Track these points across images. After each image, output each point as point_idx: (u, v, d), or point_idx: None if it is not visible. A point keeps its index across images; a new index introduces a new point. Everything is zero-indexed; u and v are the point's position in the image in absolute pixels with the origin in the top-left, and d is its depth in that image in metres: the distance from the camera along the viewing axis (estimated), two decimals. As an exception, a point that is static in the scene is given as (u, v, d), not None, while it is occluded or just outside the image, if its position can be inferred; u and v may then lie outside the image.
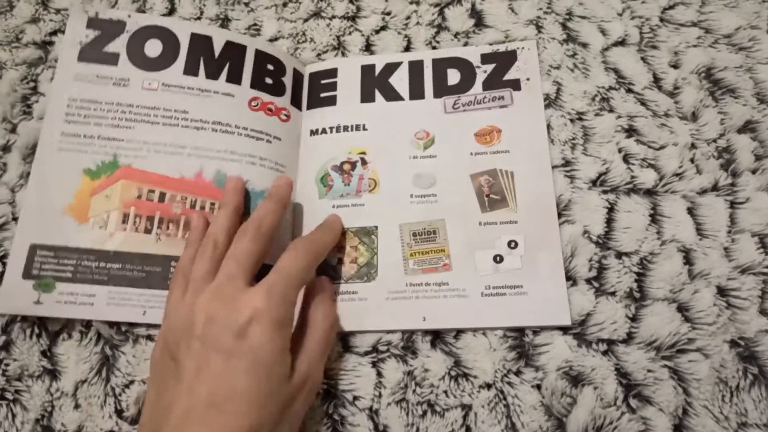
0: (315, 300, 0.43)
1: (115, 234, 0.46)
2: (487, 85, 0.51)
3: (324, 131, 0.52)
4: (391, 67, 0.53)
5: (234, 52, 0.52)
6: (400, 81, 0.52)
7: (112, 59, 0.50)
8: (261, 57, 0.52)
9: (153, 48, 0.51)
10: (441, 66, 0.53)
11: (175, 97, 0.49)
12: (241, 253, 0.40)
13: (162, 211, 0.47)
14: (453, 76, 0.52)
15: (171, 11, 0.57)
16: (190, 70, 0.51)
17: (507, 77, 0.52)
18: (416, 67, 0.53)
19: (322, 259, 0.44)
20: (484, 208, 0.47)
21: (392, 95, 0.52)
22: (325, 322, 0.42)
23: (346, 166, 0.50)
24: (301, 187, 0.50)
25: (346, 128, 0.51)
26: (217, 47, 0.52)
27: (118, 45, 0.51)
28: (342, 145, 0.51)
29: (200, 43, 0.51)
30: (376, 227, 0.47)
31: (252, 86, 0.51)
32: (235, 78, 0.51)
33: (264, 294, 0.37)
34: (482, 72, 0.52)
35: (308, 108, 0.53)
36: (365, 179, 0.49)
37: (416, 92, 0.52)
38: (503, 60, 0.52)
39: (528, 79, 0.51)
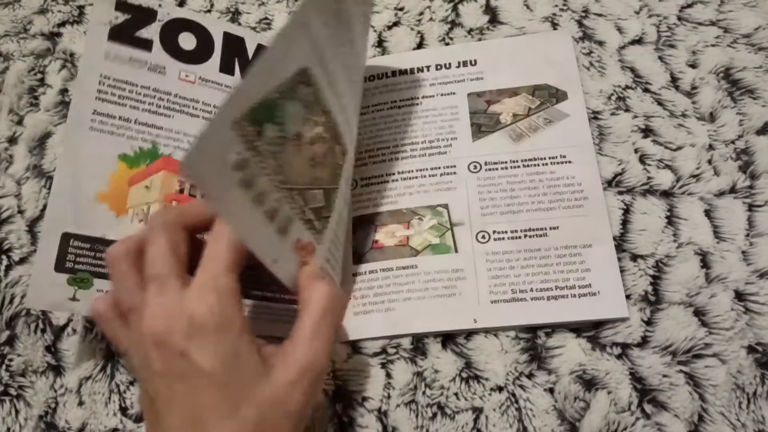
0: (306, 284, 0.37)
1: None
2: None
3: None
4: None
5: None
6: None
7: (145, 45, 0.48)
8: None
9: (187, 41, 0.49)
10: None
11: (213, 93, 0.49)
12: (156, 259, 0.35)
13: None
14: None
15: (181, 3, 0.57)
16: (226, 68, 0.50)
17: None
18: None
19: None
20: None
21: None
22: (323, 295, 0.36)
23: None
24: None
25: None
26: (250, 49, 0.51)
27: (151, 32, 0.48)
28: None
29: (233, 44, 0.51)
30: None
31: None
32: None
33: (192, 296, 0.33)
34: None
35: None
36: None
37: None
38: None
39: None
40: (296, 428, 0.34)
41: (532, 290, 0.43)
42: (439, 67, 0.52)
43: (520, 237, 0.45)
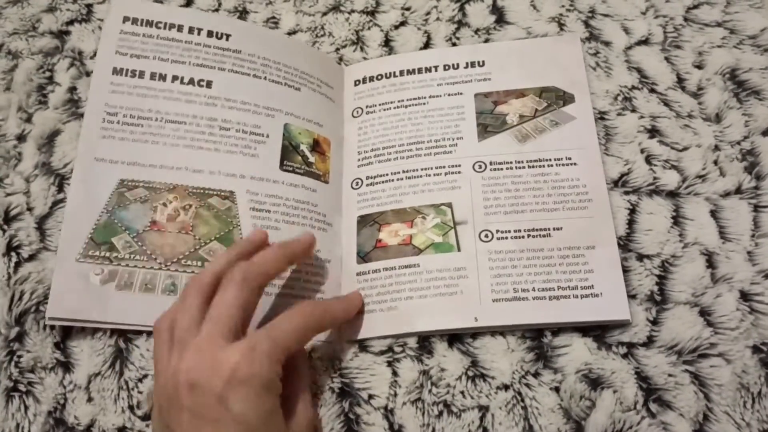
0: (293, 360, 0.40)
1: None
2: None
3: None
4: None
5: None
6: None
7: None
8: None
9: None
10: None
11: None
12: (223, 306, 0.37)
13: None
14: None
15: (188, 3, 0.57)
16: None
17: None
18: None
19: (325, 330, 0.43)
20: None
21: None
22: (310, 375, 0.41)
23: None
24: None
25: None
26: None
27: None
28: None
29: None
30: None
31: None
32: None
33: (244, 351, 0.35)
34: None
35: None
36: None
37: None
38: None
39: None
40: None
41: (534, 290, 0.44)
42: (446, 67, 0.52)
43: (523, 237, 0.45)
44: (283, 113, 0.50)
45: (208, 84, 0.49)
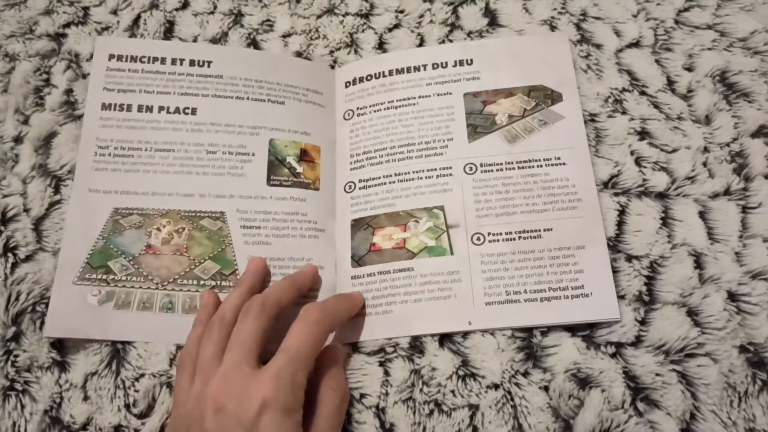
0: (323, 372, 0.41)
1: None
2: None
3: None
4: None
5: None
6: None
7: None
8: None
9: None
10: None
11: None
12: (245, 334, 0.39)
13: None
14: None
15: (185, 5, 0.57)
16: None
17: None
18: None
19: (334, 330, 0.44)
20: None
21: None
22: (336, 396, 0.40)
23: None
24: None
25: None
26: None
27: None
28: None
29: None
30: None
31: None
32: None
33: (272, 381, 0.36)
34: None
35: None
36: None
37: None
38: None
39: None
40: None
41: (525, 292, 0.44)
42: (435, 65, 0.53)
43: (514, 239, 0.46)
44: (267, 129, 0.51)
45: (193, 111, 0.51)
